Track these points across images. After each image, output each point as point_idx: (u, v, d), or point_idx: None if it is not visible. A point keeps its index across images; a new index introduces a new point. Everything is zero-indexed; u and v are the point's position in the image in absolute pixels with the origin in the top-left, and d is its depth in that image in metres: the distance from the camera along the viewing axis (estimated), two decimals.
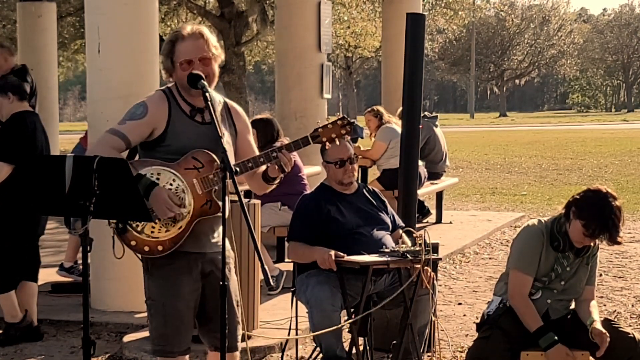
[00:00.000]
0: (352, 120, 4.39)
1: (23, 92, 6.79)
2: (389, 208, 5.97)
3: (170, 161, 4.22)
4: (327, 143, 4.35)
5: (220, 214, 4.19)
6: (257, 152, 4.42)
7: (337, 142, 4.38)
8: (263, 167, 4.34)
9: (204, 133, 4.23)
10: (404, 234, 5.85)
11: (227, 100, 4.49)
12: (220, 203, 4.18)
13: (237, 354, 4.46)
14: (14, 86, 6.76)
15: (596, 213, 4.96)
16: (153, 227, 4.19)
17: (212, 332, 4.39)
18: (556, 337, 4.95)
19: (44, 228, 7.03)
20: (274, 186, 4.44)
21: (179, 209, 4.16)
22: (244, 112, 4.55)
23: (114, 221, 4.20)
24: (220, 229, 4.28)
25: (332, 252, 5.44)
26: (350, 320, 5.47)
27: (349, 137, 4.48)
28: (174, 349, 4.35)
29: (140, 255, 4.29)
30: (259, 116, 8.71)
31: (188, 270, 4.31)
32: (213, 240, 4.33)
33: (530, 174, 20.44)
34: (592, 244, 5.14)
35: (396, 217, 6.00)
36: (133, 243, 4.22)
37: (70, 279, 8.49)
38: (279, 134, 8.41)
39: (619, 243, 5.08)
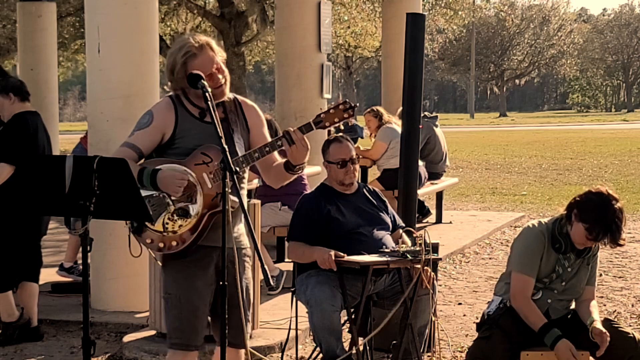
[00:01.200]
0: (355, 104, 4.39)
1: (25, 93, 6.79)
2: (389, 208, 5.97)
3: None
4: (331, 127, 4.36)
5: (232, 209, 4.23)
6: None
7: (341, 127, 4.40)
8: (279, 160, 4.38)
9: (214, 132, 4.25)
10: (404, 234, 5.86)
11: (239, 97, 4.52)
12: (232, 197, 4.20)
13: (243, 352, 4.48)
14: (15, 87, 6.77)
15: (599, 217, 4.95)
16: (167, 223, 4.22)
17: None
18: (560, 333, 4.95)
19: (47, 228, 7.03)
20: (296, 175, 4.45)
21: (189, 177, 4.18)
22: (257, 107, 4.57)
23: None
24: (239, 223, 4.36)
25: (332, 252, 5.44)
26: (366, 339, 5.47)
27: (346, 122, 4.45)
28: (189, 342, 4.38)
29: (156, 253, 4.33)
30: None
31: (204, 264, 4.34)
32: (232, 234, 4.34)
33: (530, 174, 20.44)
34: (593, 245, 5.14)
35: (396, 217, 6.00)
36: (149, 241, 4.27)
37: (70, 279, 8.49)
38: (278, 134, 8.43)
39: (621, 245, 5.07)
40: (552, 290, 5.14)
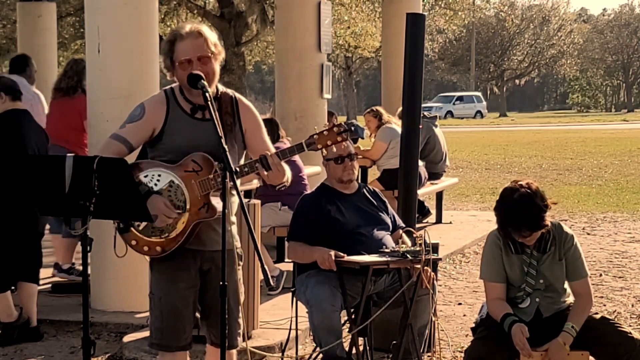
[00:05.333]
0: (349, 128, 4.36)
1: (16, 92, 6.81)
2: (390, 208, 5.97)
3: (168, 160, 4.25)
4: (323, 150, 4.34)
5: (218, 217, 4.20)
6: (271, 148, 4.41)
7: (334, 149, 4.37)
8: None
9: (205, 130, 4.24)
10: (404, 234, 5.86)
11: (237, 96, 4.47)
12: (217, 206, 4.19)
13: (234, 352, 4.48)
14: (7, 86, 6.79)
15: (504, 210, 4.94)
16: (153, 227, 4.21)
17: (210, 329, 4.46)
18: (516, 318, 4.92)
19: (44, 228, 7.03)
20: (281, 189, 4.43)
21: (177, 215, 4.19)
22: (253, 107, 4.53)
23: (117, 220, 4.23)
24: (230, 226, 4.30)
25: (332, 252, 5.44)
26: (354, 329, 5.47)
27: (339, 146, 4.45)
28: (170, 343, 4.38)
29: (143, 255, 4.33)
30: (262, 116, 8.75)
31: (186, 266, 4.33)
32: (216, 238, 4.33)
33: (530, 174, 20.42)
34: (547, 235, 5.05)
35: (396, 217, 6.00)
36: (133, 242, 4.26)
37: (70, 279, 8.49)
38: (280, 133, 8.46)
39: (544, 226, 4.94)
40: (537, 290, 5.10)
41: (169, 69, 4.35)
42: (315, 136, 4.31)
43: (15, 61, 9.38)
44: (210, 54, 4.28)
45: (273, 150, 4.37)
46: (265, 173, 4.23)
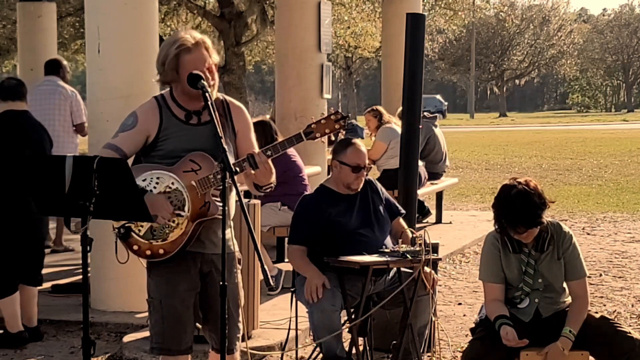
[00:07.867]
0: (347, 115, 4.37)
1: (19, 94, 6.81)
2: (385, 195, 5.89)
3: (166, 165, 4.24)
4: (321, 138, 4.33)
5: (218, 219, 4.19)
6: (257, 150, 4.40)
7: (332, 137, 4.38)
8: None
9: (200, 134, 4.25)
10: (407, 230, 5.84)
11: (227, 98, 4.47)
12: (217, 205, 4.19)
13: (236, 355, 4.47)
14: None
15: (501, 211, 4.94)
16: (154, 231, 4.20)
17: (211, 333, 4.42)
18: (507, 321, 4.92)
19: (47, 232, 7.04)
20: (266, 192, 4.42)
21: (175, 214, 4.17)
22: (244, 109, 4.53)
23: (117, 226, 4.22)
24: (226, 230, 4.28)
25: (323, 281, 5.41)
26: (352, 323, 5.47)
27: (337, 132, 4.45)
28: (171, 347, 4.36)
29: (143, 260, 4.32)
30: (255, 119, 8.73)
31: (186, 269, 4.32)
32: (215, 241, 4.33)
33: (530, 174, 20.38)
34: (546, 234, 5.04)
35: (392, 202, 5.93)
36: (135, 247, 4.25)
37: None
38: (277, 135, 8.44)
39: (540, 224, 4.93)
40: (536, 289, 5.09)
41: (172, 81, 4.29)
42: (313, 125, 4.29)
43: (48, 64, 10.09)
44: (213, 63, 4.29)
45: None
46: (253, 172, 4.22)
